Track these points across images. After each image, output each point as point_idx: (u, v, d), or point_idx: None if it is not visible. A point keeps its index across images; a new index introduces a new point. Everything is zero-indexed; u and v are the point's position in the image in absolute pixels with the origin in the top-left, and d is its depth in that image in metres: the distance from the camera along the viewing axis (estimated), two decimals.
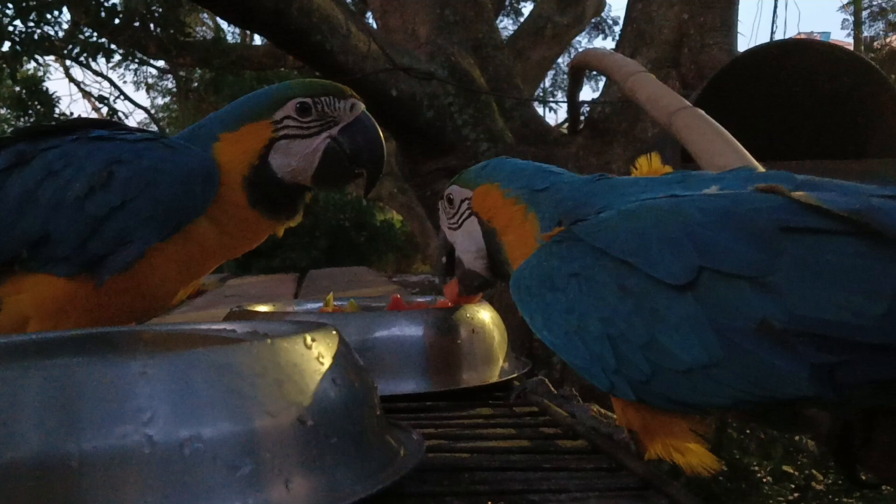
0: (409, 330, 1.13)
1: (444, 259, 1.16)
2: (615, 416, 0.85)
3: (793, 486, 3.27)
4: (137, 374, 0.54)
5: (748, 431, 3.57)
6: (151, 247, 1.08)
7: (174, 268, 1.14)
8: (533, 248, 0.90)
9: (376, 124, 1.19)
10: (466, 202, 1.09)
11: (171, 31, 6.71)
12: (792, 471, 3.36)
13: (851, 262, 0.63)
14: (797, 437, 3.35)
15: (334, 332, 0.71)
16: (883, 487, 0.94)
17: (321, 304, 1.42)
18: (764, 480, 3.29)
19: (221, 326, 0.85)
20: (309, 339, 0.65)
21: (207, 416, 0.55)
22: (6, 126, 12.52)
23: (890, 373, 0.61)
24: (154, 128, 12.87)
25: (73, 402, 0.53)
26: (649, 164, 0.97)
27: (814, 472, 3.33)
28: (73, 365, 0.56)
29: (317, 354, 0.64)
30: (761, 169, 1.42)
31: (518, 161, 1.10)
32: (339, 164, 1.17)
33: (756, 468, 3.36)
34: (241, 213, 1.15)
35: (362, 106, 1.18)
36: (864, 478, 0.88)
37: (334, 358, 0.66)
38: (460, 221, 1.10)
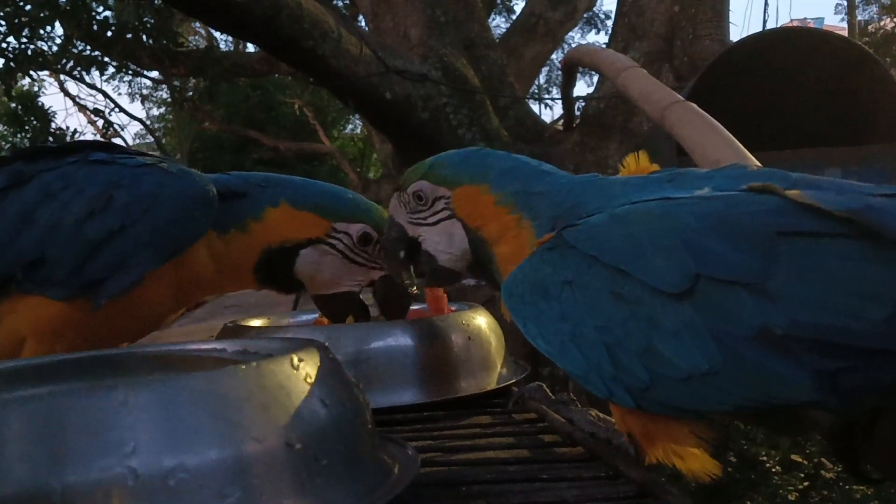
0: (404, 340, 1.12)
1: (401, 254, 1.06)
2: (614, 420, 0.84)
3: (802, 475, 3.25)
4: (119, 405, 0.53)
5: None
6: (148, 272, 1.07)
7: (168, 293, 1.14)
8: None
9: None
10: (443, 201, 1.00)
11: (164, 42, 6.70)
12: (801, 460, 3.34)
13: (851, 265, 0.62)
14: None
15: (323, 351, 0.70)
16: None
17: (317, 315, 1.41)
18: (773, 470, 3.27)
19: (212, 346, 0.85)
20: (296, 359, 0.64)
21: (192, 444, 0.54)
22: (4, 143, 12.54)
23: (893, 377, 0.60)
24: (150, 138, 12.87)
25: (55, 436, 0.52)
26: (637, 163, 0.95)
27: (823, 460, 3.31)
28: (54, 396, 0.55)
29: (304, 375, 0.63)
30: (755, 162, 1.40)
31: (503, 156, 1.01)
32: (347, 308, 1.20)
33: (764, 458, 3.34)
34: (243, 266, 1.17)
35: None
36: (872, 474, 0.86)
37: (323, 377, 0.65)
38: (436, 221, 1.01)
